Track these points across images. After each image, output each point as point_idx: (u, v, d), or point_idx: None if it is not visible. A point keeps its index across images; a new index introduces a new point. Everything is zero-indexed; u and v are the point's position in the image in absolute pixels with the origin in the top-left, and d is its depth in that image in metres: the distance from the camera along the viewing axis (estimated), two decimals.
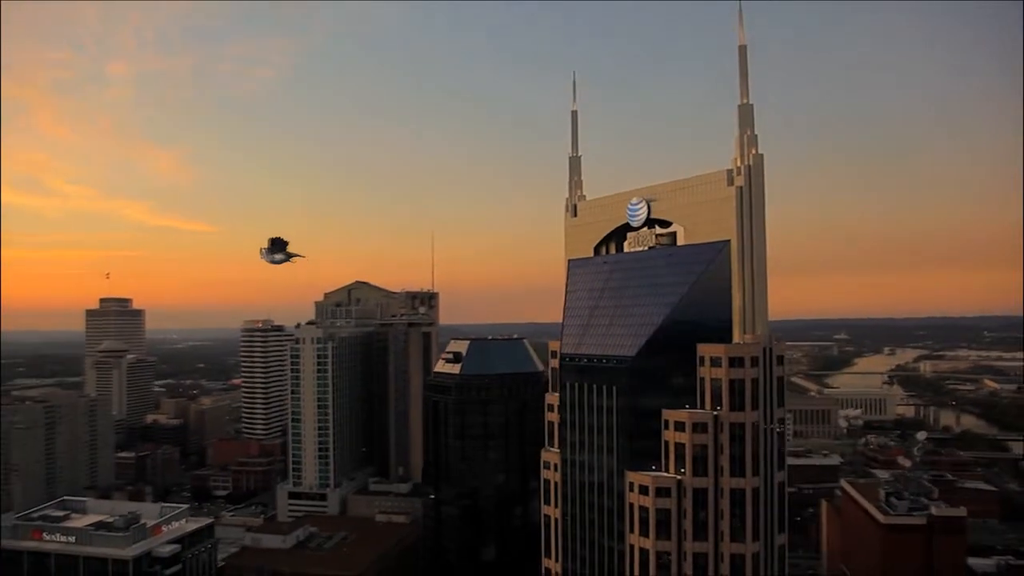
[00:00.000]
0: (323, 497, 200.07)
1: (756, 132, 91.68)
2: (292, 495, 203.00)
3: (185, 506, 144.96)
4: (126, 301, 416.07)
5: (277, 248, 75.36)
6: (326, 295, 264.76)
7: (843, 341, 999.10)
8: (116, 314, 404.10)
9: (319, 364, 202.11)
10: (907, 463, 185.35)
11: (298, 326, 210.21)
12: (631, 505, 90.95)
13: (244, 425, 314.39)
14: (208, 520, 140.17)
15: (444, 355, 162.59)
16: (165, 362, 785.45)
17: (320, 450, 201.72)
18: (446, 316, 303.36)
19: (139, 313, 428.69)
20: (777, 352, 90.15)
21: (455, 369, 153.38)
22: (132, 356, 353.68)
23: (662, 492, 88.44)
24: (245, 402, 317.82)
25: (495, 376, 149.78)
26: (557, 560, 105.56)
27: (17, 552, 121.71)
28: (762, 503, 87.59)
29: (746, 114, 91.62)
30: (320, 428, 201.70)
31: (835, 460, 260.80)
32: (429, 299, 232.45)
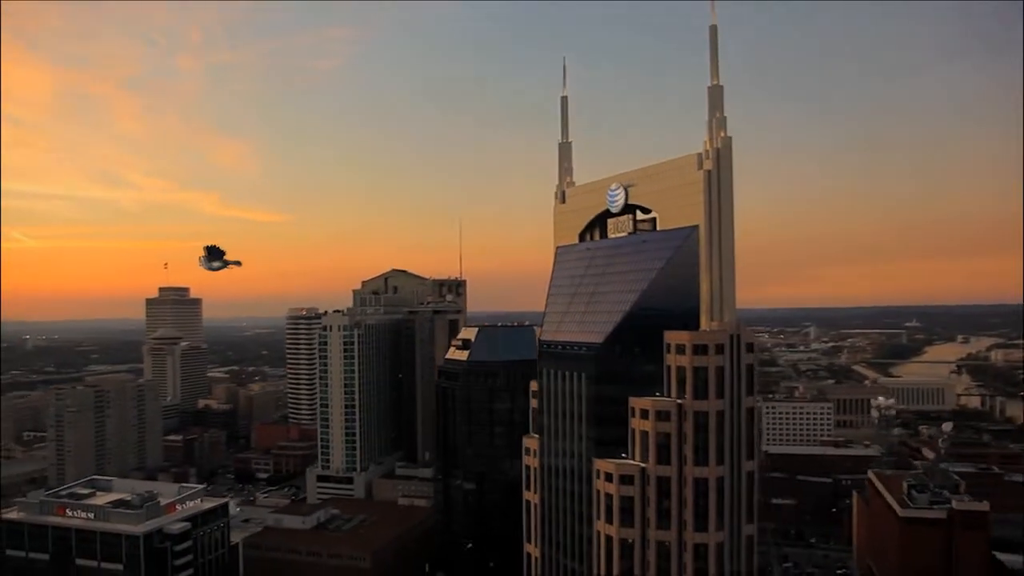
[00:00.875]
0: (350, 480, 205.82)
1: (726, 114, 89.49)
2: (320, 478, 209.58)
3: (201, 487, 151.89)
4: (184, 290, 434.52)
5: (214, 256, 77.78)
6: (364, 283, 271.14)
7: (914, 329, 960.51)
8: (174, 303, 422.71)
9: (346, 351, 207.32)
10: (935, 454, 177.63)
11: (326, 313, 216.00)
12: (598, 492, 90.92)
13: (290, 410, 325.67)
14: (222, 500, 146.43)
15: (454, 342, 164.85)
16: (231, 349, 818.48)
17: (347, 435, 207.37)
18: (478, 304, 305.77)
19: (196, 302, 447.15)
20: (746, 339, 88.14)
21: (463, 356, 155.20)
22: (186, 343, 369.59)
23: (626, 480, 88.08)
24: (290, 388, 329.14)
25: (501, 363, 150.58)
26: (536, 545, 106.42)
27: (43, 526, 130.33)
28: (727, 493, 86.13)
29: (715, 96, 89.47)
30: (347, 413, 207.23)
31: (875, 451, 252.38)
32: (456, 287, 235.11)
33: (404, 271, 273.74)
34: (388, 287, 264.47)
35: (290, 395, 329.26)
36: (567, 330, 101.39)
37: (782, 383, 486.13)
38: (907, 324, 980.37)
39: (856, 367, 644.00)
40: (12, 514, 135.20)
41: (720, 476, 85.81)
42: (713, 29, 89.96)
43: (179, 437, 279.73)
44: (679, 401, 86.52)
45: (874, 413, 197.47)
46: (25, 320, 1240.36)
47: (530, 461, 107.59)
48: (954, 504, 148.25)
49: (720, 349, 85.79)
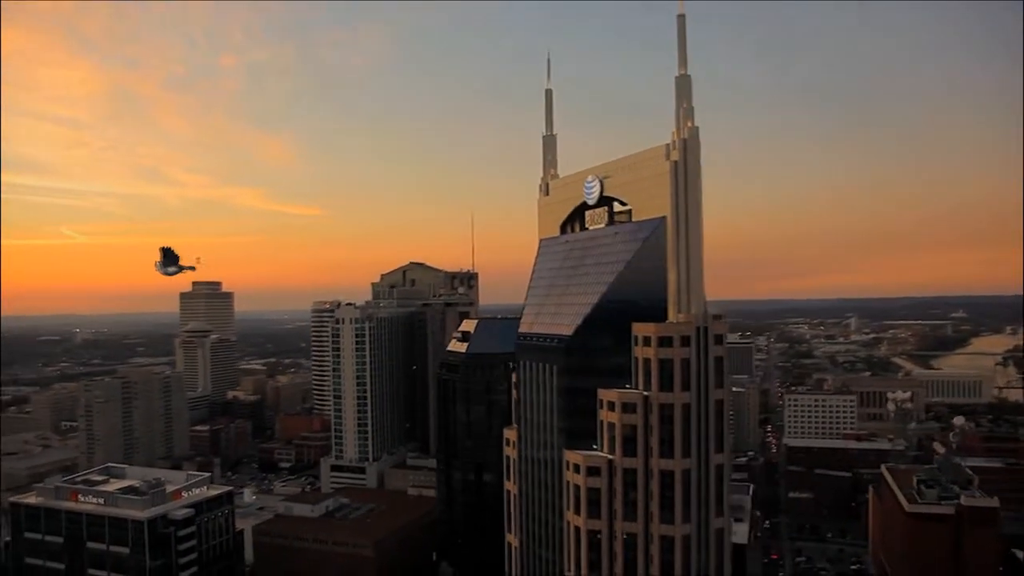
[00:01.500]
0: (362, 470, 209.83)
1: (694, 104, 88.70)
2: (334, 468, 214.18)
3: (207, 474, 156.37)
4: (216, 284, 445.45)
5: (169, 262, 79.73)
6: (382, 276, 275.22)
7: (959, 320, 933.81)
8: (206, 296, 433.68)
9: (357, 343, 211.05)
10: (946, 448, 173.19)
11: (339, 306, 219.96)
12: (568, 483, 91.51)
13: (316, 402, 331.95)
14: (226, 489, 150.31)
15: (454, 334, 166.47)
16: (270, 341, 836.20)
17: (360, 426, 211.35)
18: (493, 296, 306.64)
19: (228, 295, 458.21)
20: (715, 331, 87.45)
21: (463, 348, 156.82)
22: (215, 336, 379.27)
23: (593, 471, 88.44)
24: (315, 380, 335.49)
25: (500, 355, 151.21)
26: (516, 535, 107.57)
27: (57, 511, 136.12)
28: (694, 486, 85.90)
29: (683, 86, 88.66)
30: (359, 405, 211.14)
31: (899, 445, 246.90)
32: (468, 279, 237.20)
33: (422, 264, 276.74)
34: (406, 280, 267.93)
35: (315, 387, 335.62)
36: (542, 322, 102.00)
37: (814, 375, 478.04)
38: (953, 315, 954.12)
39: (896, 359, 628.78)
40: (31, 499, 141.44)
41: (686, 469, 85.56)
42: (681, 19, 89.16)
43: (206, 427, 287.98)
44: (645, 393, 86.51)
45: (890, 407, 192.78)
46: (76, 314, 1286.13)
47: (510, 451, 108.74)
48: (962, 500, 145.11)
49: (686, 341, 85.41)
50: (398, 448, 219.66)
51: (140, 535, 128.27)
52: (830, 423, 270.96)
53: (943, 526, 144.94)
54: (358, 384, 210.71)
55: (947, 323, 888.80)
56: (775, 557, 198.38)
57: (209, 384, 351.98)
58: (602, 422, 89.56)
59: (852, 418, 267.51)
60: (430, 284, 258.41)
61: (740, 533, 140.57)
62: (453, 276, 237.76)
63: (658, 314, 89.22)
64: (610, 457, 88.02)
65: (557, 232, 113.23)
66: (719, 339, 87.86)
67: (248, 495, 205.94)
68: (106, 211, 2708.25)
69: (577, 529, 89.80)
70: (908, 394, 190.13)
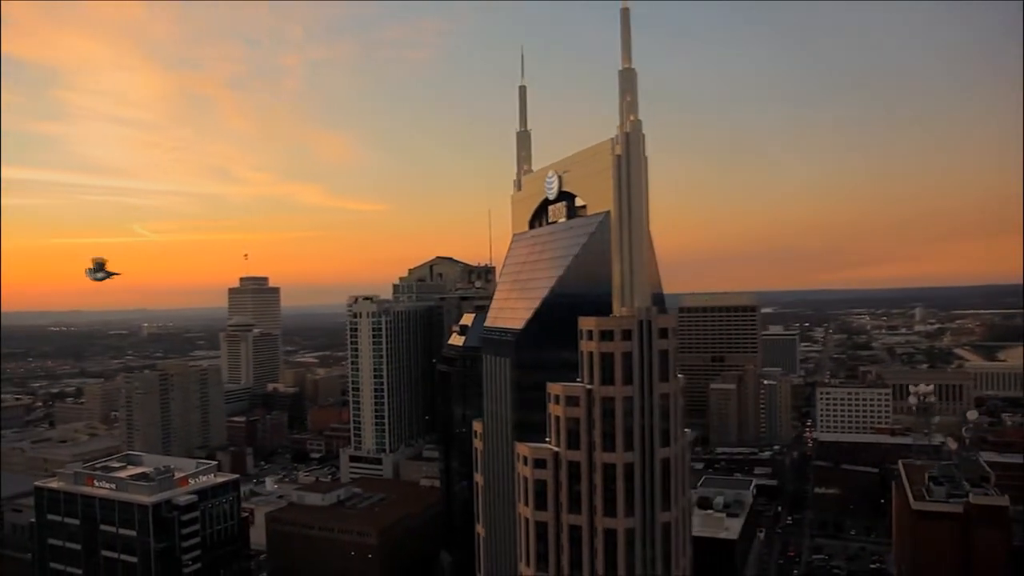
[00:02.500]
0: (379, 461, 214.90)
1: (637, 98, 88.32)
2: (353, 458, 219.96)
3: (214, 463, 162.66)
4: (263, 279, 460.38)
5: (97, 269, 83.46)
6: (410, 271, 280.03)
7: None
8: (253, 292, 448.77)
9: (374, 337, 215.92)
10: (958, 444, 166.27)
11: (356, 301, 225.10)
12: (518, 475, 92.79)
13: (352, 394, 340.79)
14: (232, 476, 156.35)
15: (453, 327, 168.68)
16: (325, 335, 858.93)
17: (377, 418, 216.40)
18: None
19: (275, 290, 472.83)
20: (659, 325, 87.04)
21: (460, 341, 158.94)
22: (258, 330, 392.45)
23: (539, 463, 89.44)
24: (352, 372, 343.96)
25: None
26: (483, 526, 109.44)
27: (75, 495, 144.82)
28: (637, 479, 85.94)
29: (627, 79, 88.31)
30: (376, 397, 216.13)
31: (936, 440, 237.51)
32: (485, 273, 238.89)
33: (449, 258, 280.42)
34: (433, 274, 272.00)
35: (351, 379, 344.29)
36: (502, 316, 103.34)
37: (860, 368, 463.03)
38: None
39: (958, 350, 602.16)
40: (53, 483, 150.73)
41: (628, 462, 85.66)
42: (625, 12, 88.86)
43: (242, 418, 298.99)
44: (588, 387, 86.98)
45: (912, 400, 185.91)
46: (146, 308, 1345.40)
47: (477, 444, 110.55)
48: (971, 498, 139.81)
49: (627, 335, 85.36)
50: (416, 440, 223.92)
51: (145, 519, 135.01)
52: (863, 417, 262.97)
53: (950, 525, 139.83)
54: (375, 377, 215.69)
55: (1019, 312, 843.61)
56: (792, 554, 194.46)
57: (251, 377, 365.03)
58: (550, 415, 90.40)
59: (887, 411, 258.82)
60: (456, 278, 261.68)
61: (733, 529, 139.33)
62: (470, 270, 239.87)
63: (606, 308, 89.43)
64: (556, 450, 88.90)
65: (526, 227, 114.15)
66: (664, 333, 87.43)
67: (270, 484, 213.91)
68: (175, 209, 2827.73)
69: (527, 521, 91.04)
70: (931, 387, 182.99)
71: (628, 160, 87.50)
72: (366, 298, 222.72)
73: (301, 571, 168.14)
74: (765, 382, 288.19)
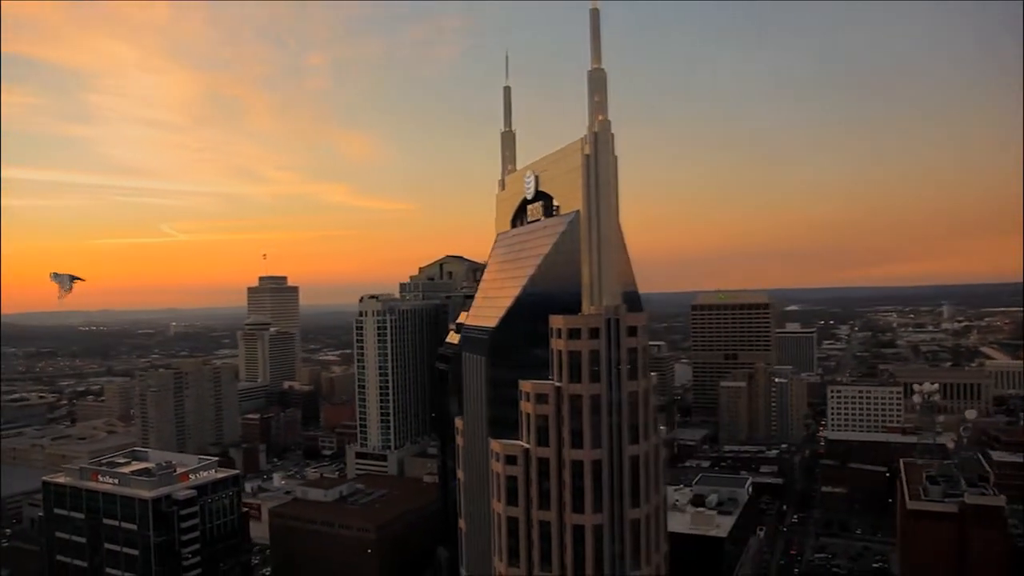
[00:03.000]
0: (384, 458, 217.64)
1: (607, 98, 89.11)
2: (359, 455, 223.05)
3: (215, 459, 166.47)
4: (282, 279, 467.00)
5: (60, 280, 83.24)
6: (420, 269, 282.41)
7: None
8: (271, 291, 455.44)
9: (379, 336, 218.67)
10: (955, 443, 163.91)
11: (361, 300, 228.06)
12: (492, 471, 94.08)
13: None
14: (233, 472, 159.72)
15: (451, 325, 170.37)
16: (347, 333, 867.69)
17: (382, 415, 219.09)
18: None
19: (294, 289, 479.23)
20: (628, 323, 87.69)
21: (456, 339, 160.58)
22: (275, 329, 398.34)
23: (510, 460, 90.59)
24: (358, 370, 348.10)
25: None
26: (464, 521, 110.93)
27: (80, 489, 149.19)
28: (605, 476, 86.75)
29: (596, 79, 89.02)
30: (381, 395, 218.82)
31: (946, 439, 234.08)
32: (474, 273, 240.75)
33: (459, 257, 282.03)
34: (443, 273, 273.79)
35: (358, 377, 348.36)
36: (480, 315, 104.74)
37: (879, 366, 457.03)
38: None
39: (984, 348, 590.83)
40: (60, 478, 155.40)
41: (596, 459, 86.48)
42: (594, 12, 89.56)
43: (257, 416, 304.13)
44: (557, 384, 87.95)
45: (916, 399, 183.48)
46: (175, 308, 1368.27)
47: (460, 440, 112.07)
48: (966, 498, 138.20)
49: (594, 333, 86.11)
50: (421, 437, 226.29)
51: (146, 513, 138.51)
52: (874, 415, 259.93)
53: (945, 525, 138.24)
54: (380, 375, 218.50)
55: None
56: (794, 553, 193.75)
57: (268, 375, 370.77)
58: (522, 412, 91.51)
59: (898, 410, 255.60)
60: (462, 276, 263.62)
61: (724, 526, 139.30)
62: (475, 268, 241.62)
63: (577, 306, 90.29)
64: (527, 446, 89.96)
65: (509, 226, 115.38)
66: (633, 331, 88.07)
67: (277, 480, 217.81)
68: (203, 209, 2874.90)
69: (499, 516, 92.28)
70: (935, 386, 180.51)
71: (596, 160, 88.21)
72: (372, 297, 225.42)
73: (302, 565, 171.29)
74: (776, 380, 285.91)
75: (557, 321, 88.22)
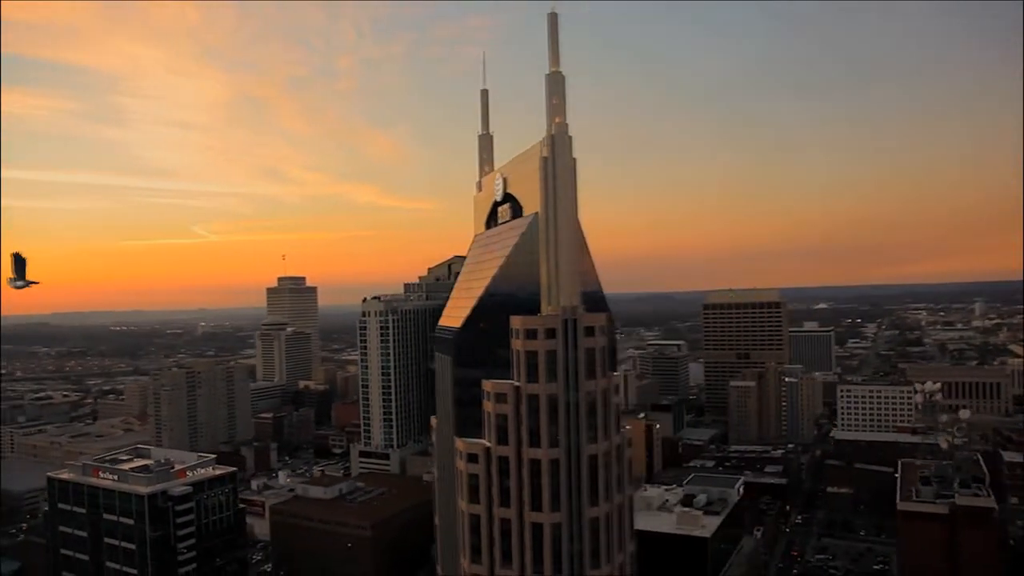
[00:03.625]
0: (386, 457, 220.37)
1: (566, 100, 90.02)
2: (362, 454, 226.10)
3: (213, 456, 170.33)
4: (300, 279, 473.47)
5: (18, 277, 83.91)
6: (429, 270, 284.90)
7: None
8: (290, 291, 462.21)
9: (382, 336, 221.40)
10: (948, 443, 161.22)
11: (365, 300, 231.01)
12: (456, 469, 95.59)
13: None
14: (230, 470, 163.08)
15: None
16: None
17: (384, 414, 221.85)
18: None
19: (312, 290, 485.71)
20: (586, 324, 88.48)
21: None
22: (291, 329, 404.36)
23: (472, 458, 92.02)
24: (361, 370, 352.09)
25: None
26: (439, 518, 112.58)
27: (82, 485, 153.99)
28: (563, 475, 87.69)
29: (554, 83, 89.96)
30: (384, 394, 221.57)
31: (959, 439, 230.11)
32: None
33: (465, 257, 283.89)
34: (451, 273, 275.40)
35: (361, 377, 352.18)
36: (450, 316, 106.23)
37: (898, 365, 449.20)
38: None
39: (1013, 346, 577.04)
40: (64, 474, 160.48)
41: (554, 458, 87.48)
42: (553, 17, 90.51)
43: (269, 415, 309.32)
44: (516, 384, 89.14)
45: (918, 398, 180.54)
46: (205, 308, 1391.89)
47: (433, 438, 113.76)
48: (957, 499, 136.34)
49: (551, 334, 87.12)
50: (423, 436, 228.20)
51: (142, 508, 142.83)
52: (885, 415, 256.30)
53: (936, 526, 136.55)
54: (383, 375, 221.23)
55: None
56: (795, 554, 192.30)
57: (284, 374, 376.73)
58: (484, 411, 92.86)
59: (909, 410, 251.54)
60: None
61: (709, 527, 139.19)
62: None
63: (538, 307, 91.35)
64: (488, 445, 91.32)
65: (484, 228, 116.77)
66: (590, 331, 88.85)
67: (283, 478, 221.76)
68: (233, 210, 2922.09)
69: (463, 514, 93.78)
70: (937, 385, 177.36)
71: (554, 162, 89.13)
72: (374, 298, 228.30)
73: (301, 560, 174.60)
74: (786, 379, 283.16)
75: (516, 321, 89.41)
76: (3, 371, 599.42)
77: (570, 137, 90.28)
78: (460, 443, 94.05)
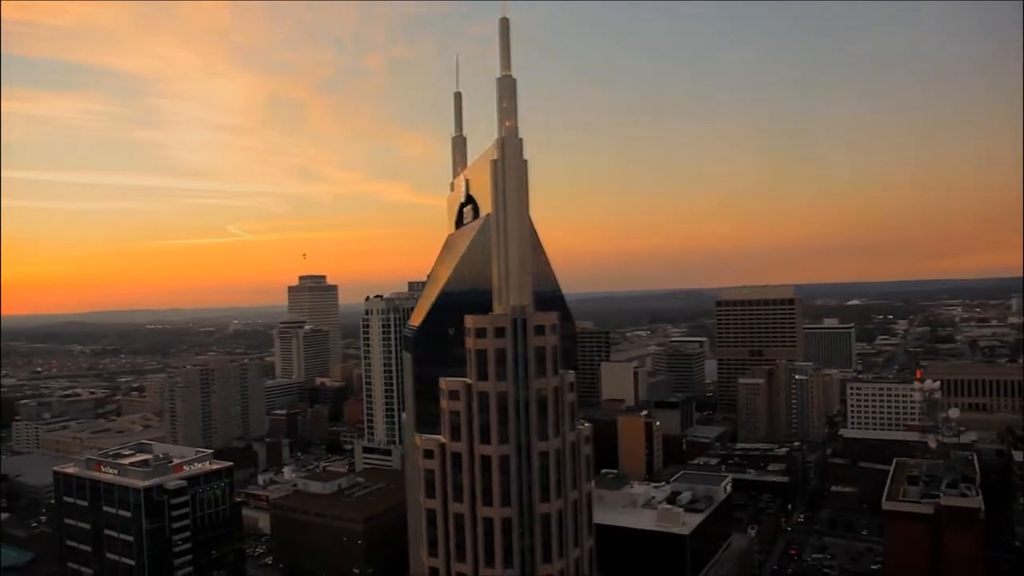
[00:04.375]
0: (389, 452, 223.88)
1: (516, 104, 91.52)
2: (366, 449, 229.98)
3: (209, 451, 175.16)
4: (321, 278, 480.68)
5: None
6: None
7: None
8: (310, 290, 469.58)
9: (384, 333, 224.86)
10: (935, 443, 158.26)
11: (367, 299, 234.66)
12: (415, 465, 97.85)
13: None
14: (227, 464, 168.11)
15: None
16: None
17: (387, 410, 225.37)
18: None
19: (333, 288, 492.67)
20: (536, 322, 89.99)
21: None
22: (309, 326, 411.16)
23: (428, 454, 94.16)
24: (364, 367, 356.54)
25: None
26: (410, 514, 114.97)
27: (84, 479, 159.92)
28: (513, 471, 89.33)
29: (505, 86, 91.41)
30: (387, 391, 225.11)
31: (970, 437, 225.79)
32: None
33: None
34: None
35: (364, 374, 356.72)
36: (416, 314, 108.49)
37: (922, 362, 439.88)
38: None
39: None
40: (69, 468, 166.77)
41: (504, 455, 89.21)
42: (504, 22, 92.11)
43: (284, 411, 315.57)
44: (468, 382, 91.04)
45: (916, 396, 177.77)
46: (238, 306, 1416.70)
47: (406, 435, 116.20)
48: (941, 499, 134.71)
49: (500, 332, 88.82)
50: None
51: (139, 501, 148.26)
52: (895, 413, 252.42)
53: (920, 526, 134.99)
54: (385, 372, 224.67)
55: None
56: (793, 553, 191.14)
57: (302, 371, 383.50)
58: (441, 408, 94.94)
59: (919, 407, 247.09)
60: None
61: (689, 524, 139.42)
62: None
63: (492, 306, 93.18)
64: (443, 441, 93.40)
65: (454, 228, 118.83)
66: (540, 330, 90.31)
67: (288, 473, 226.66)
68: (267, 209, 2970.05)
69: (421, 508, 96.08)
70: (936, 384, 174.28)
71: (504, 164, 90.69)
72: (377, 296, 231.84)
73: (300, 553, 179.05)
74: (796, 377, 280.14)
75: (468, 321, 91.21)
76: (39, 369, 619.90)
77: (520, 140, 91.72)
78: (418, 439, 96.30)
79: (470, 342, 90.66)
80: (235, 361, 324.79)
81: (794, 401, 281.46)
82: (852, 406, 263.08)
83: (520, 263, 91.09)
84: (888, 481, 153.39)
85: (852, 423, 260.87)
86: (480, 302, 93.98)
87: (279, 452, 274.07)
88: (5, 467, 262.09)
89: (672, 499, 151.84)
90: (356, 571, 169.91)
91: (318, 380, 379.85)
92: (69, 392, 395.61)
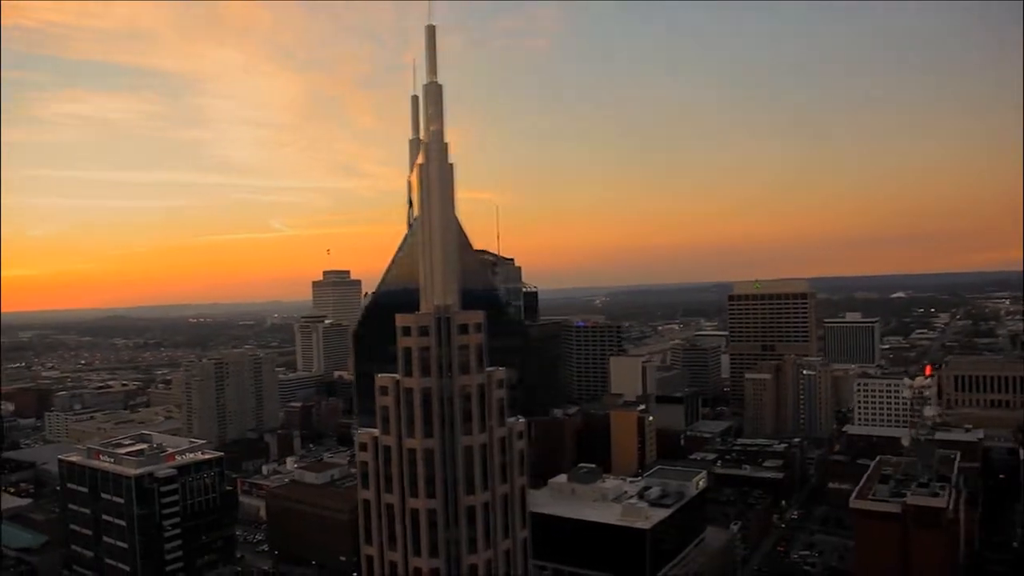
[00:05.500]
0: None
1: (443, 110, 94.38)
2: None
3: (203, 441, 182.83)
4: (345, 273, 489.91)
5: None
6: None
7: None
8: (334, 285, 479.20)
9: None
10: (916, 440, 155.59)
11: (366, 295, 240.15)
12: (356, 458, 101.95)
13: None
14: (217, 454, 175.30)
15: None
16: None
17: None
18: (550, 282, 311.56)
19: (357, 283, 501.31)
20: (460, 321, 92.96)
21: None
22: (329, 321, 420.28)
23: (363, 447, 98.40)
24: None
25: None
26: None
27: (85, 467, 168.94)
28: (438, 464, 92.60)
29: (431, 92, 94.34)
30: None
31: (977, 435, 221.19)
32: (492, 266, 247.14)
33: (483, 251, 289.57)
34: None
35: None
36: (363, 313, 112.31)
37: (945, 357, 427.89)
38: None
39: None
40: (73, 457, 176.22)
41: (428, 448, 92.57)
42: (430, 29, 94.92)
43: (298, 404, 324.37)
44: (396, 377, 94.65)
45: (906, 393, 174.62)
46: (279, 300, 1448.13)
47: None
48: (908, 498, 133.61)
49: (424, 331, 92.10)
50: None
51: (130, 488, 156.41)
52: (902, 409, 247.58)
53: (887, 525, 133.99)
54: None
55: None
56: (781, 549, 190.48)
57: (322, 365, 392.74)
58: (376, 403, 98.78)
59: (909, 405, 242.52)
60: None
61: (653, 519, 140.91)
62: (485, 263, 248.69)
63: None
64: (376, 435, 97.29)
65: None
66: (464, 329, 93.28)
67: (290, 464, 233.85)
68: (308, 204, 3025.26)
69: (359, 499, 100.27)
70: (927, 381, 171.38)
71: (428, 168, 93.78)
72: (374, 292, 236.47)
73: (292, 540, 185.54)
74: (804, 372, 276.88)
75: (398, 319, 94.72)
76: (84, 362, 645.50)
77: (446, 143, 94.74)
78: (361, 433, 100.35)
79: (400, 340, 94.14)
80: (252, 355, 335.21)
81: (802, 396, 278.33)
82: (859, 402, 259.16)
83: (444, 263, 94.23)
84: (864, 478, 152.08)
85: (859, 419, 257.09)
86: (412, 301, 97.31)
87: (290, 443, 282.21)
88: (34, 455, 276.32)
89: (642, 494, 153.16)
90: (343, 559, 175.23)
91: (336, 373, 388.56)
92: (102, 384, 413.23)
